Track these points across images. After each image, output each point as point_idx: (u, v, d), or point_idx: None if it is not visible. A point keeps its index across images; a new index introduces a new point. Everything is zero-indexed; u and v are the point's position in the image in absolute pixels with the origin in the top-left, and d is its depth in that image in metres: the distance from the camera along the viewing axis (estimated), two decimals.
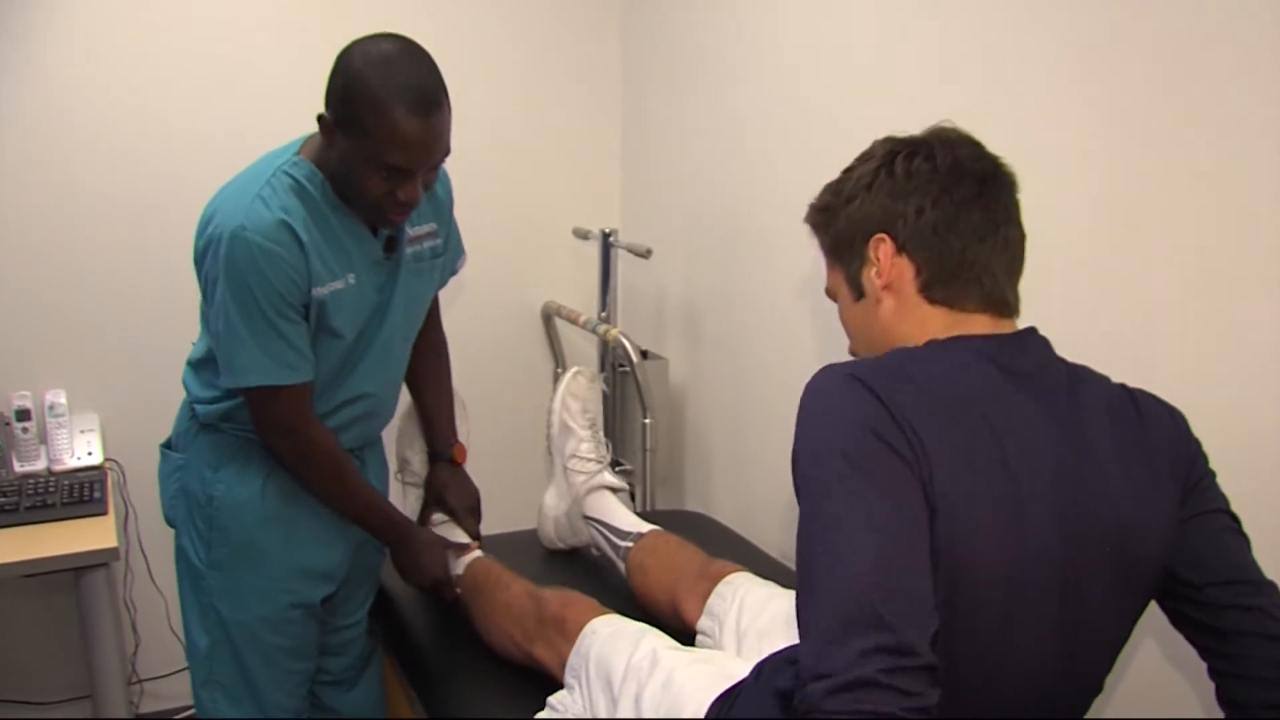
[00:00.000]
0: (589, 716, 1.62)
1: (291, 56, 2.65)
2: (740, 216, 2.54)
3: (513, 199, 3.05)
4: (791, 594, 1.66)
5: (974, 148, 1.20)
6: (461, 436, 2.22)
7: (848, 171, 1.25)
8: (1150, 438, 1.16)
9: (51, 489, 2.30)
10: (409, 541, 1.99)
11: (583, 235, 2.93)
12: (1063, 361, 1.18)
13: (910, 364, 1.10)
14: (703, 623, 1.83)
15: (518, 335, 3.12)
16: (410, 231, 1.86)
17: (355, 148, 1.61)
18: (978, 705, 1.09)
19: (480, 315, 3.06)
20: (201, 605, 1.88)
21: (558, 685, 1.74)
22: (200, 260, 1.69)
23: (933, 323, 1.17)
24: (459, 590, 2.01)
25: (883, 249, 1.19)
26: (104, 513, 2.25)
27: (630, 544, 2.07)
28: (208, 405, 1.82)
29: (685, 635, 1.85)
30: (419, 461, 2.22)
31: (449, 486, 2.14)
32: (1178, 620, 1.19)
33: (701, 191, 2.73)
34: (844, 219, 1.24)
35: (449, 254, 2.02)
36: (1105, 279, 1.59)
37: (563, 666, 1.74)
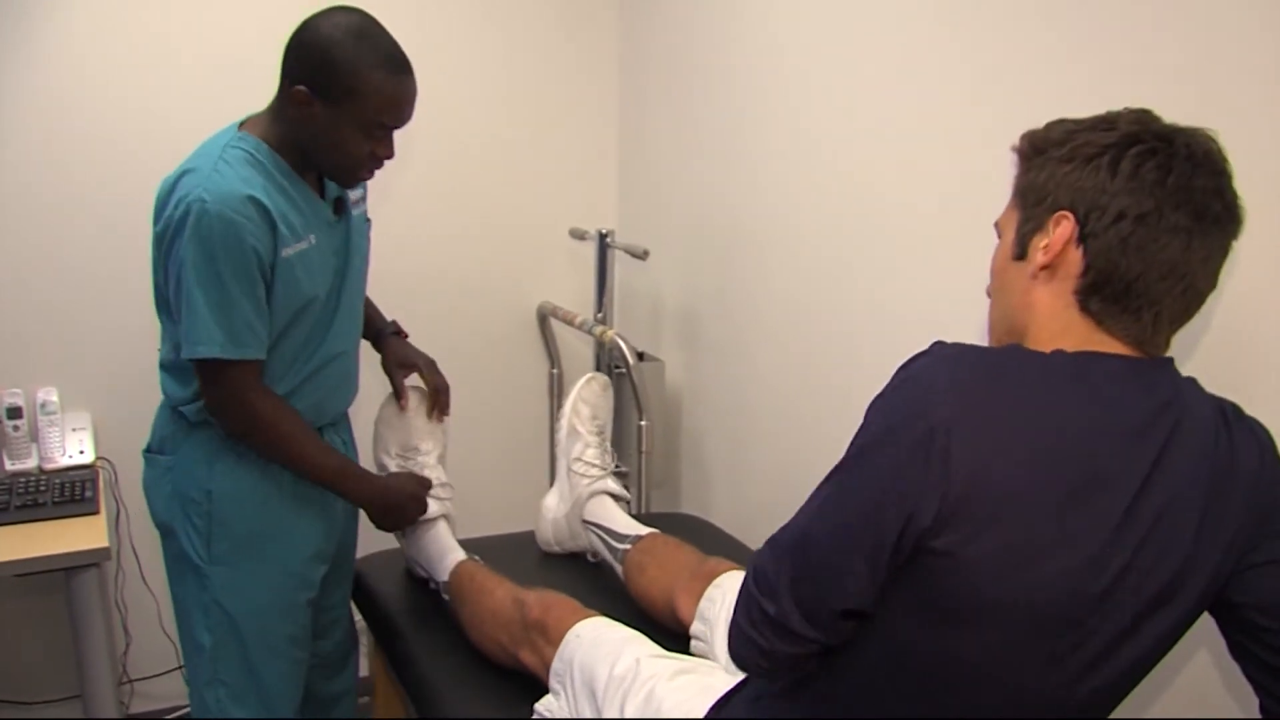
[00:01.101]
0: None
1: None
2: (737, 218, 2.53)
3: (509, 199, 3.04)
4: None
5: (1216, 178, 1.08)
6: (438, 459, 2.26)
7: (1082, 126, 1.14)
8: (1234, 479, 1.11)
9: (43, 488, 2.28)
10: (385, 494, 2.02)
11: (579, 236, 2.91)
12: (1182, 392, 1.12)
13: (1016, 381, 1.06)
14: (695, 627, 1.83)
15: (513, 336, 3.10)
16: (351, 195, 1.95)
17: (339, 113, 1.70)
18: None
19: (476, 316, 3.05)
20: (204, 604, 1.88)
21: (545, 688, 1.74)
22: (160, 239, 1.74)
23: (1072, 331, 1.11)
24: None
25: (1062, 229, 1.11)
26: (95, 512, 2.24)
27: (628, 546, 2.07)
28: (191, 403, 1.84)
29: (682, 636, 1.85)
30: (394, 466, 2.23)
31: (406, 350, 2.23)
32: (1239, 654, 1.16)
33: (699, 193, 2.72)
34: (1046, 173, 1.13)
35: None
36: None
37: (548, 670, 1.74)
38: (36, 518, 2.19)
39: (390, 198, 2.74)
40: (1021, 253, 1.16)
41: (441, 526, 2.17)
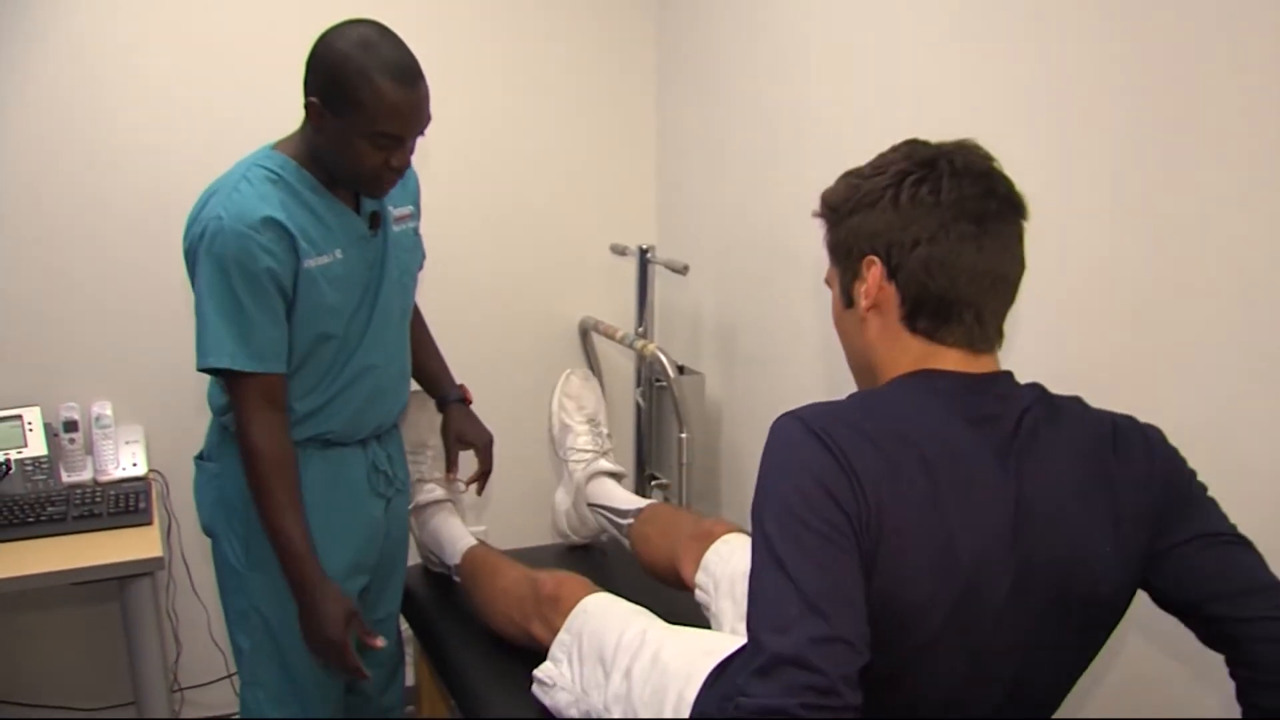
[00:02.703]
0: (580, 689, 1.70)
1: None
2: (775, 233, 2.55)
3: (550, 216, 3.08)
4: None
5: (982, 182, 1.18)
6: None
7: (861, 177, 1.26)
8: (1121, 472, 1.17)
9: (98, 499, 2.34)
10: (316, 589, 1.81)
11: (620, 251, 2.95)
12: (1042, 398, 1.20)
13: (867, 414, 1.14)
14: (699, 578, 1.91)
15: (555, 350, 3.13)
16: (394, 212, 1.98)
17: (348, 124, 1.73)
18: None
19: (518, 330, 3.09)
20: (242, 609, 1.93)
21: None
22: (187, 258, 1.81)
23: (909, 352, 1.20)
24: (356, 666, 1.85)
25: (873, 272, 1.21)
26: (149, 523, 2.29)
27: (631, 520, 2.17)
28: (227, 414, 1.88)
29: (688, 597, 1.93)
30: (438, 443, 2.28)
31: (466, 425, 2.24)
32: (1205, 640, 1.20)
33: (737, 208, 2.75)
34: (845, 229, 1.25)
35: (419, 247, 2.12)
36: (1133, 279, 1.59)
37: None
38: (92, 528, 2.25)
39: (436, 214, 2.78)
40: (849, 302, 1.26)
41: (451, 513, 2.24)
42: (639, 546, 2.13)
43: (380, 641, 1.87)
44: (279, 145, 1.85)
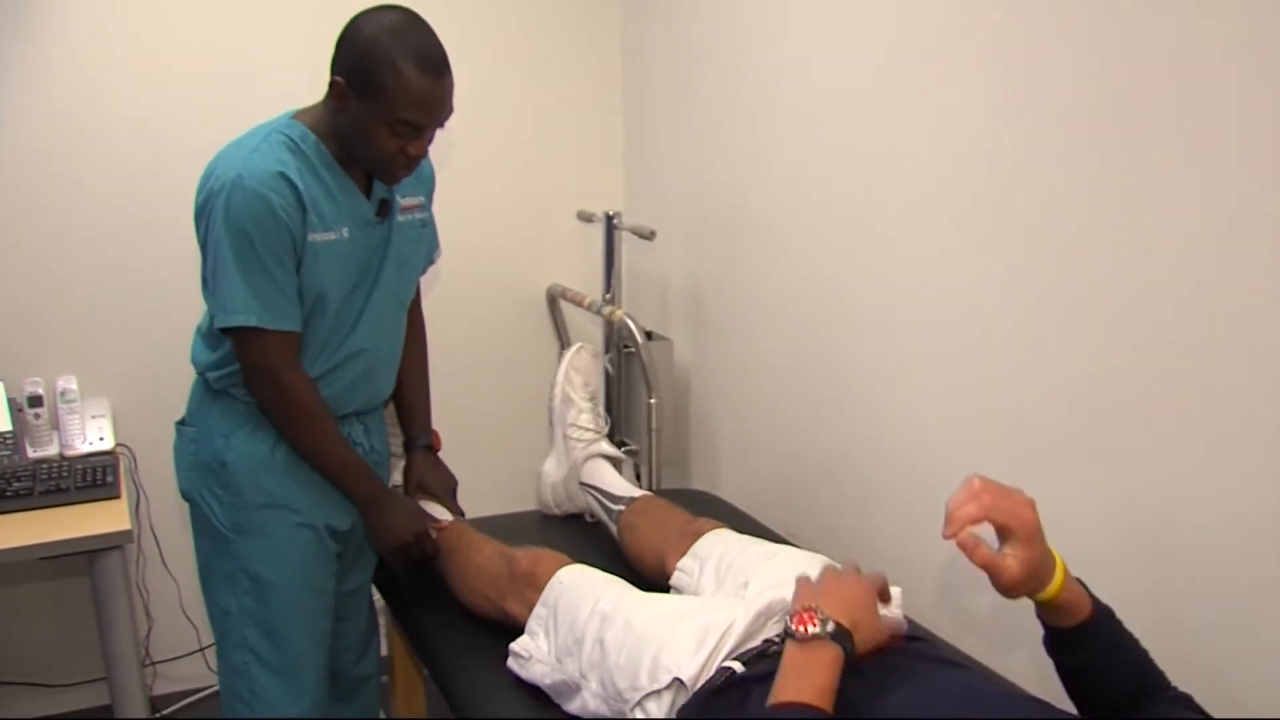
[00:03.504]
0: (555, 659, 1.71)
1: (297, 43, 2.67)
2: (741, 199, 2.56)
3: (516, 182, 3.07)
4: (771, 545, 1.86)
5: None
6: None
7: None
8: None
9: (65, 474, 2.32)
10: (382, 501, 2.00)
11: (587, 218, 2.94)
12: None
13: None
14: (684, 562, 1.92)
15: (523, 317, 3.14)
16: (401, 201, 1.97)
17: (371, 108, 1.73)
18: None
19: (486, 298, 3.08)
20: (228, 571, 1.93)
21: None
22: (199, 215, 1.80)
23: None
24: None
25: None
26: (117, 496, 2.28)
27: (622, 508, 2.16)
28: (216, 370, 1.89)
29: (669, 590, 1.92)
30: (397, 444, 2.26)
31: (428, 473, 2.19)
32: None
33: (703, 174, 2.75)
34: None
35: (429, 238, 2.11)
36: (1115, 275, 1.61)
37: None
38: (59, 502, 2.23)
39: None
40: None
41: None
42: (626, 535, 2.13)
43: (445, 520, 2.07)
44: (300, 114, 1.84)
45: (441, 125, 1.81)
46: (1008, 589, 1.24)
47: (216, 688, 2.06)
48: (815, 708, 1.22)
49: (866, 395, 2.19)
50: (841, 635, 1.29)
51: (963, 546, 1.20)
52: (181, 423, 2.00)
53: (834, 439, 2.31)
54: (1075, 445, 1.69)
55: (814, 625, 1.28)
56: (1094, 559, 1.46)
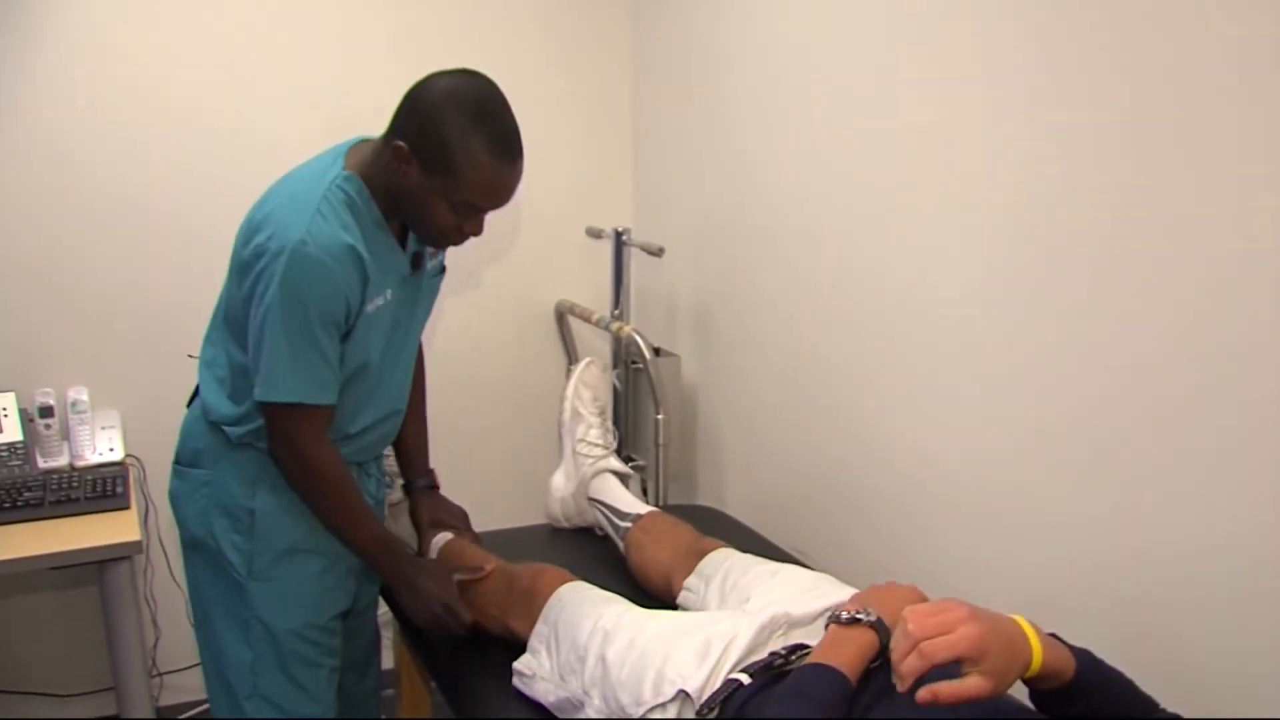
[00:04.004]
0: (558, 677, 1.71)
1: (311, 56, 2.71)
2: (750, 216, 2.57)
3: (526, 198, 3.05)
4: (774, 564, 1.88)
5: None
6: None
7: None
8: None
9: (75, 484, 2.33)
10: (414, 575, 1.91)
11: (596, 234, 2.96)
12: None
13: None
14: (690, 580, 1.93)
15: (531, 333, 3.15)
16: (428, 248, 1.90)
17: (434, 183, 1.65)
18: None
19: (494, 313, 3.09)
20: (244, 619, 1.84)
21: None
22: (245, 267, 1.69)
23: None
24: (474, 619, 1.94)
25: None
26: (126, 507, 2.29)
27: (629, 524, 2.17)
28: (238, 426, 1.80)
29: (676, 608, 1.93)
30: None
31: (440, 510, 2.17)
32: None
33: (712, 191, 2.76)
34: None
35: (440, 270, 2.04)
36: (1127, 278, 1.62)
37: None
38: (69, 513, 2.25)
39: None
40: None
41: None
42: (633, 552, 2.13)
43: (490, 566, 1.98)
44: (352, 162, 1.73)
45: (503, 205, 1.74)
46: (994, 696, 1.18)
47: None
48: (840, 671, 1.32)
49: (873, 411, 2.19)
50: (880, 625, 1.39)
51: (924, 703, 1.14)
52: (179, 462, 1.91)
53: (840, 455, 2.32)
54: (1086, 458, 1.69)
55: (859, 613, 1.40)
56: (1103, 571, 1.46)
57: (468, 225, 1.73)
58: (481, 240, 2.07)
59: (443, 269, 2.01)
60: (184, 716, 2.88)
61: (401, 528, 2.22)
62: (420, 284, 1.90)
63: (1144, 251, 1.55)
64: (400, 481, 2.21)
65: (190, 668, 2.84)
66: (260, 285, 1.66)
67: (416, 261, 1.86)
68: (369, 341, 1.77)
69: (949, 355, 1.96)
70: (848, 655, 1.35)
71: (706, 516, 2.49)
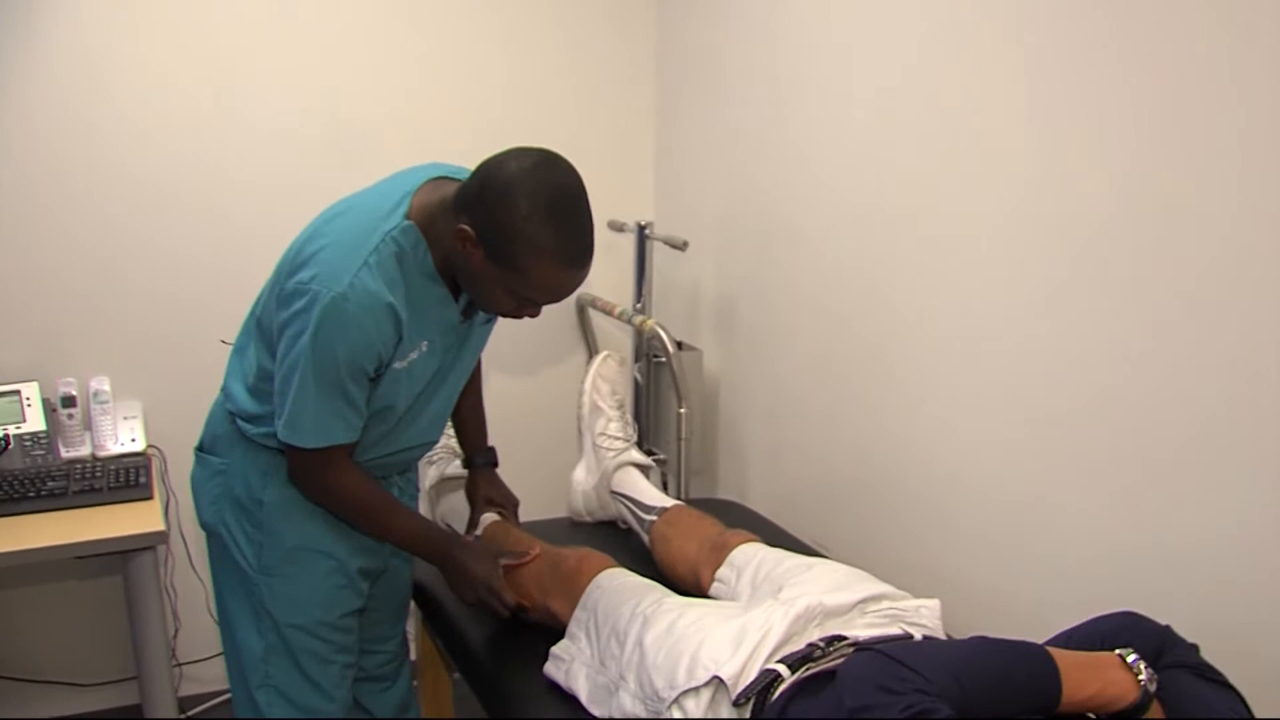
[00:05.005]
0: (598, 662, 1.72)
1: (326, 50, 2.70)
2: (773, 209, 2.56)
3: None
4: (807, 558, 1.86)
5: None
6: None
7: None
8: None
9: (98, 474, 2.34)
10: (458, 555, 1.92)
11: (618, 228, 2.95)
12: None
13: None
14: (722, 571, 1.93)
15: (552, 326, 3.14)
16: None
17: (498, 273, 1.59)
18: None
19: None
20: (254, 610, 1.85)
21: None
22: (288, 299, 1.65)
23: None
24: (516, 601, 1.95)
25: None
26: (149, 497, 2.30)
27: (654, 518, 2.17)
28: (256, 426, 1.79)
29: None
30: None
31: (494, 490, 2.18)
32: None
33: (735, 184, 2.75)
34: None
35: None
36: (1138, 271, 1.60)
37: None
38: (93, 503, 2.26)
39: None
40: None
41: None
42: (658, 545, 2.12)
43: (535, 551, 1.98)
44: (416, 210, 1.65)
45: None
46: None
47: None
48: (1053, 662, 1.29)
49: (898, 406, 2.18)
50: (1145, 691, 1.30)
51: None
52: (201, 449, 1.90)
53: (864, 450, 2.31)
54: (1119, 455, 1.68)
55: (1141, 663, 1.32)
56: (1132, 567, 1.45)
57: (526, 311, 1.68)
58: None
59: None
60: (202, 707, 2.88)
61: (448, 503, 2.26)
62: (471, 329, 1.86)
63: (1182, 259, 1.54)
64: (458, 460, 2.25)
65: (209, 659, 2.85)
66: (296, 325, 1.62)
67: (468, 311, 1.80)
68: (395, 391, 1.75)
69: (980, 350, 1.95)
70: (1083, 675, 1.30)
71: (728, 511, 2.48)
